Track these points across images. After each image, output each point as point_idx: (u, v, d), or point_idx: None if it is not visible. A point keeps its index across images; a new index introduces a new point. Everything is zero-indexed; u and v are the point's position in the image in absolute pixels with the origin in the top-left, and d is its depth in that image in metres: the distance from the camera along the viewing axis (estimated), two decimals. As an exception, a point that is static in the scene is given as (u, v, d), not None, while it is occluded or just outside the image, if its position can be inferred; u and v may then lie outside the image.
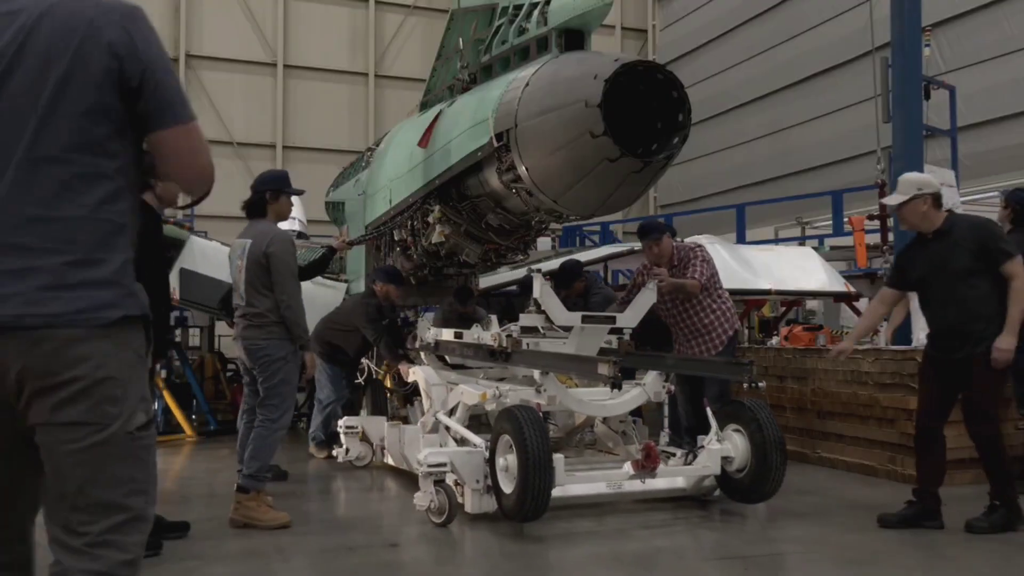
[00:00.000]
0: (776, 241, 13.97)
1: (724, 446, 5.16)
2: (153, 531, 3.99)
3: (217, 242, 9.16)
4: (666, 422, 6.88)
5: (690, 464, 5.24)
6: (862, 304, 9.21)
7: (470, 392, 5.59)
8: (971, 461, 5.39)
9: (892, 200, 4.91)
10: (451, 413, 5.82)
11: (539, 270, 5.70)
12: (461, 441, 5.43)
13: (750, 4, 19.33)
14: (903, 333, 6.74)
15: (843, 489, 5.96)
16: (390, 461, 6.62)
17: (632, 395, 5.29)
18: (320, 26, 20.40)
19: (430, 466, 4.87)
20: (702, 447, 5.22)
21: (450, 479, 4.95)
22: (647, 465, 4.81)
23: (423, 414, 6.31)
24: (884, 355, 6.46)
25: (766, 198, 16.36)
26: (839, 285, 9.27)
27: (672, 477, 5.30)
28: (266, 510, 4.94)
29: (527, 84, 5.10)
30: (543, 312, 5.72)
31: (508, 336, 5.47)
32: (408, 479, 6.06)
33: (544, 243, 11.15)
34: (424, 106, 7.34)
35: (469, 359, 6.29)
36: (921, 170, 7.54)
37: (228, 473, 6.52)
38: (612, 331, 5.73)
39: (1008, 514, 4.63)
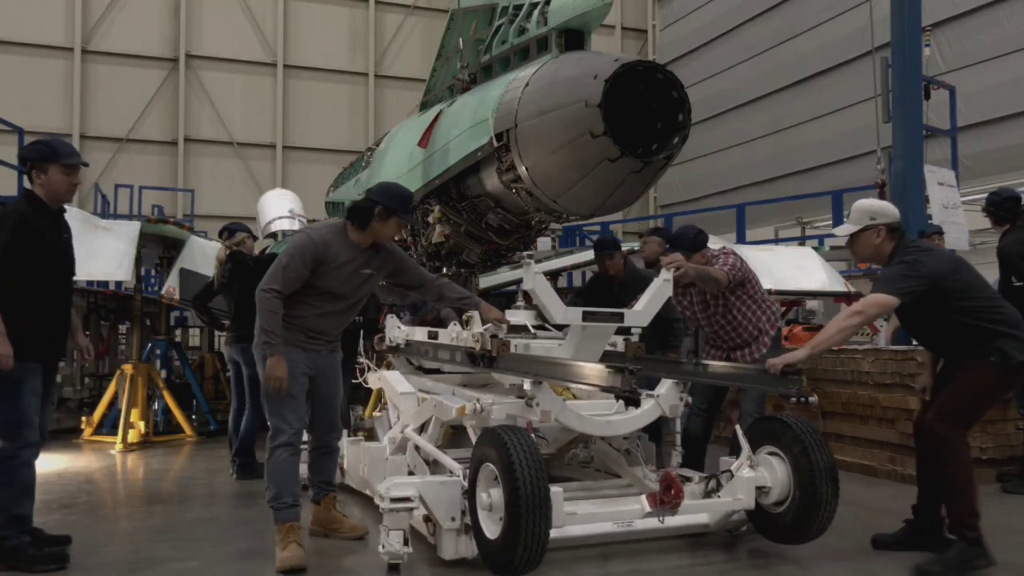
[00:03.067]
0: (776, 241, 13.97)
1: (758, 474, 4.12)
2: (34, 544, 4.05)
3: (217, 242, 9.14)
4: (678, 438, 5.60)
5: (714, 494, 4.20)
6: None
7: (445, 405, 4.56)
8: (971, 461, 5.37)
9: (841, 231, 4.40)
10: (423, 429, 4.88)
11: (531, 256, 4.71)
12: (434, 464, 4.60)
13: (750, 4, 19.34)
14: (904, 333, 6.74)
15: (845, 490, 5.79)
16: (351, 483, 5.53)
17: (644, 410, 4.28)
18: (320, 26, 20.42)
19: (394, 500, 3.84)
20: (727, 472, 4.19)
21: (418, 514, 4.06)
22: (668, 501, 3.88)
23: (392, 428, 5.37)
24: (884, 355, 6.46)
25: (766, 198, 16.37)
26: (839, 285, 9.26)
27: (694, 513, 4.30)
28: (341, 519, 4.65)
29: (527, 84, 5.10)
30: (534, 307, 4.83)
31: (493, 337, 4.49)
32: (372, 508, 4.76)
33: (544, 243, 11.14)
34: (424, 106, 7.34)
35: (446, 364, 5.24)
36: (921, 170, 7.56)
37: (228, 473, 6.52)
38: (618, 331, 4.80)
39: (968, 551, 3.92)
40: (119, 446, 8.01)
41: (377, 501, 4.06)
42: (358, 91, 20.78)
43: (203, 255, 8.41)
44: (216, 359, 11.45)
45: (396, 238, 5.23)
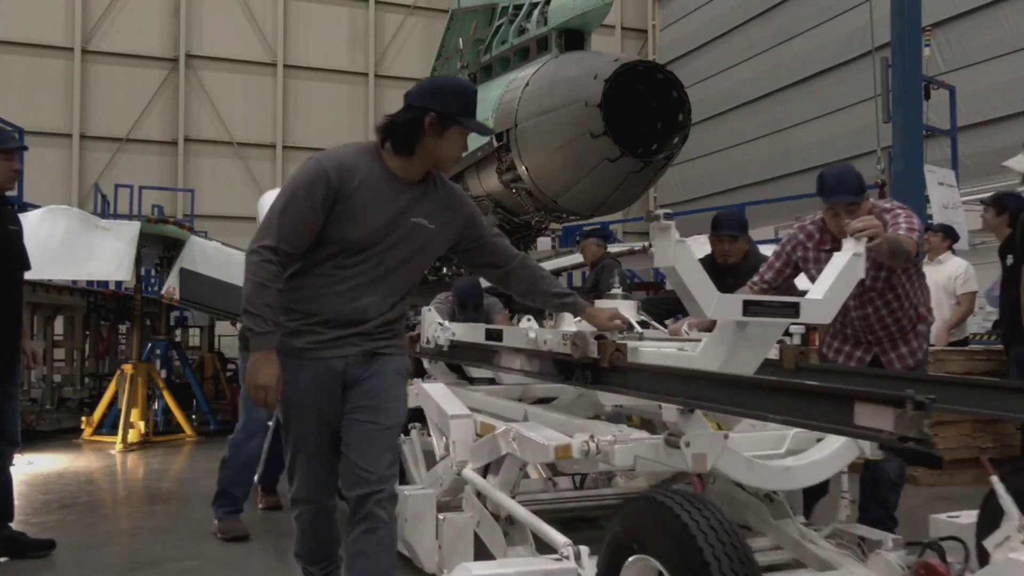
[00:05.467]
0: (776, 241, 13.96)
1: None
2: (16, 548, 4.04)
3: (217, 242, 9.15)
4: (845, 480, 3.58)
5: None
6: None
7: (532, 441, 2.96)
8: (971, 461, 5.38)
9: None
10: (486, 470, 3.44)
11: (667, 214, 2.87)
12: (507, 522, 3.18)
13: (750, 4, 19.33)
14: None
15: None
16: None
17: (835, 450, 2.91)
18: (320, 26, 20.40)
19: None
20: (959, 543, 2.81)
21: None
22: None
23: (434, 462, 3.81)
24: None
25: (766, 198, 16.36)
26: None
27: None
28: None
29: (527, 84, 5.11)
30: (628, 295, 3.54)
31: (599, 339, 3.00)
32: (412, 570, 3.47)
33: (544, 243, 11.14)
34: (424, 106, 7.33)
35: (507, 372, 3.93)
36: (921, 170, 7.56)
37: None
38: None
39: None
40: (119, 446, 8.01)
41: (428, 567, 3.21)
42: (358, 91, 20.76)
43: (203, 255, 8.41)
44: (216, 359, 11.45)
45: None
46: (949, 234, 7.20)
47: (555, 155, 5.18)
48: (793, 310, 3.01)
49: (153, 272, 11.03)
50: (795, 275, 4.02)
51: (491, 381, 4.53)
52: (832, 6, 16.82)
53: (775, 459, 2.93)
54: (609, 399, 3.21)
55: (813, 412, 2.13)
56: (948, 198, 8.04)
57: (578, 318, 3.22)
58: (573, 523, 3.67)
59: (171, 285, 8.31)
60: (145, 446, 8.23)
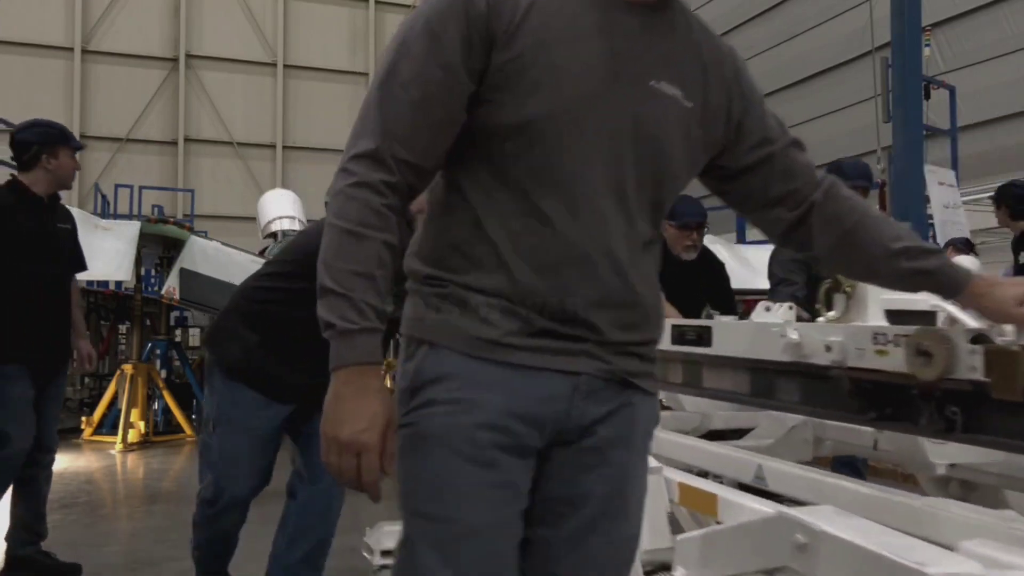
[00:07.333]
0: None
1: None
2: (42, 570, 3.83)
3: (217, 242, 9.15)
4: None
5: None
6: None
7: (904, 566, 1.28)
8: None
9: None
10: None
11: None
12: None
13: (750, 4, 19.34)
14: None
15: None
16: None
17: None
18: (320, 26, 20.41)
19: None
20: None
21: None
22: None
23: None
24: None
25: (766, 198, 16.37)
26: (840, 285, 9.25)
27: None
28: None
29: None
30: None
31: (997, 347, 1.45)
32: None
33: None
34: (424, 106, 7.33)
35: (743, 403, 2.28)
36: (921, 170, 7.55)
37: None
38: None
39: None
40: (119, 446, 8.01)
41: None
42: (358, 91, 20.76)
43: (203, 255, 8.41)
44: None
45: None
46: (960, 247, 7.22)
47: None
48: None
49: (153, 272, 11.03)
50: None
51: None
52: (832, 6, 16.82)
53: None
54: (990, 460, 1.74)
55: None
56: (948, 198, 8.03)
57: (956, 302, 1.59)
58: None
59: (171, 285, 8.31)
60: (145, 446, 8.23)
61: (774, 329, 1.95)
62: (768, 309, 2.21)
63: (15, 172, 4.07)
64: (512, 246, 1.28)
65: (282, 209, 11.05)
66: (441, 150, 1.31)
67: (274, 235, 10.91)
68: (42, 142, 3.97)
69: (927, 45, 9.15)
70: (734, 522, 1.73)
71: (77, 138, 4.22)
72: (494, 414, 1.25)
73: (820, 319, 2.04)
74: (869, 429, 1.98)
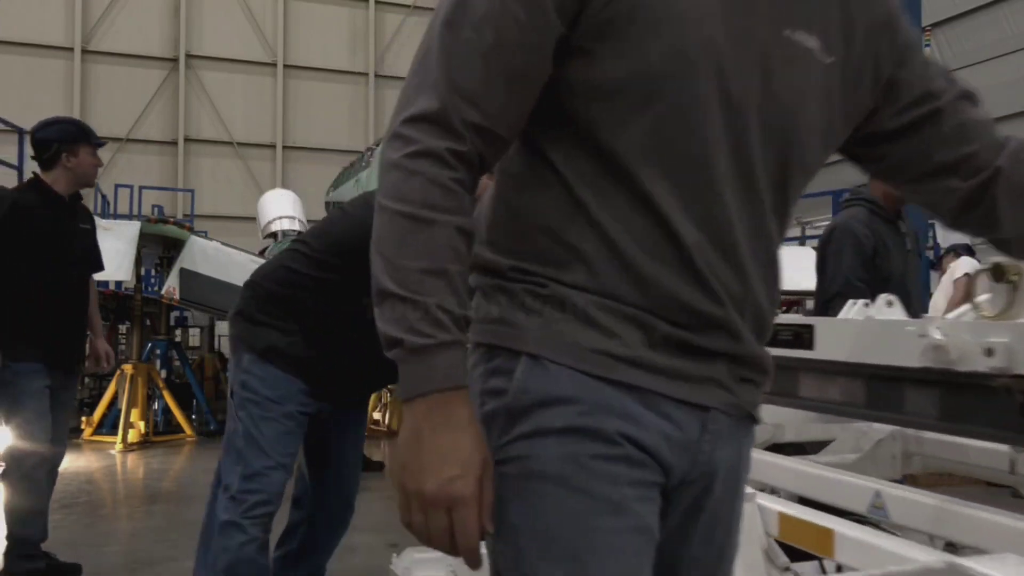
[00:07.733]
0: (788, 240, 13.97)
1: None
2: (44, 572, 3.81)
3: (217, 242, 9.15)
4: None
5: None
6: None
7: None
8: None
9: None
10: None
11: None
12: None
13: (750, 4, 19.37)
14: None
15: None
16: None
17: None
18: (320, 26, 20.41)
19: None
20: None
21: None
22: None
23: None
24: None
25: (766, 198, 16.38)
26: (840, 285, 9.24)
27: None
28: None
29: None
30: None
31: None
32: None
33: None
34: (424, 106, 7.33)
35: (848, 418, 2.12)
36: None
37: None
38: None
39: None
40: (119, 446, 8.01)
41: None
42: (358, 91, 20.77)
43: (203, 255, 8.41)
44: (216, 359, 11.46)
45: None
46: (960, 251, 7.35)
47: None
48: None
49: (153, 272, 11.03)
50: None
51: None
52: (832, 6, 16.87)
53: None
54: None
55: None
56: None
57: None
58: None
59: (171, 285, 8.31)
60: (145, 446, 8.23)
61: (909, 328, 1.57)
62: (867, 305, 1.91)
63: (36, 171, 4.06)
64: (626, 235, 1.00)
65: (282, 209, 11.05)
66: (521, 112, 1.02)
67: (274, 235, 10.91)
68: (61, 139, 3.94)
69: (927, 45, 9.16)
70: (877, 571, 1.29)
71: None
72: (628, 447, 0.99)
73: (969, 317, 1.63)
74: (999, 446, 1.60)
